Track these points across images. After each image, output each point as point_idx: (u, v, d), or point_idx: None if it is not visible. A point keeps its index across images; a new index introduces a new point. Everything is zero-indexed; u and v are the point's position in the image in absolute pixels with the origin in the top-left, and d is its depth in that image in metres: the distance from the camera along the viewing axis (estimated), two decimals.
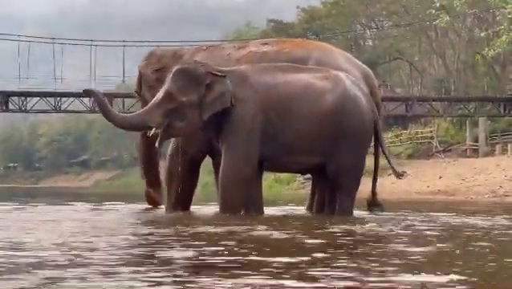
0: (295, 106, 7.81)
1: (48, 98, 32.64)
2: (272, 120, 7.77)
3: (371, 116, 8.00)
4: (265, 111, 7.76)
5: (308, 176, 10.89)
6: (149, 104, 7.88)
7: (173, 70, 7.88)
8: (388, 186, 23.34)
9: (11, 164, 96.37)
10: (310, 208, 8.98)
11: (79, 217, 7.61)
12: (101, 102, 8.06)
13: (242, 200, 7.92)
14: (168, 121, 7.71)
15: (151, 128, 7.77)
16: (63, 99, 32.60)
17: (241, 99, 7.78)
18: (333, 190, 8.07)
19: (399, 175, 8.57)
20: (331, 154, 7.84)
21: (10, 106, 32.52)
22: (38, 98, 32.79)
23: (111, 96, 28.24)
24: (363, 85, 8.60)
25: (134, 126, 8.12)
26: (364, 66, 9.39)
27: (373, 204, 8.63)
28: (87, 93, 8.55)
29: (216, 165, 9.11)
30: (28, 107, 32.86)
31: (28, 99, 32.62)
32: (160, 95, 7.80)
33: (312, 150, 7.85)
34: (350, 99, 7.88)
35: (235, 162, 7.75)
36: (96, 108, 32.16)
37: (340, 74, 8.11)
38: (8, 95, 32.25)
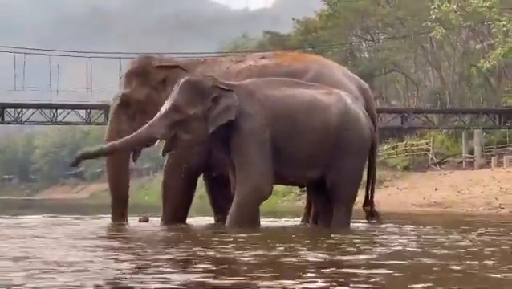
0: (301, 120, 7.87)
1: (44, 109, 32.62)
2: (279, 133, 7.79)
3: (369, 132, 8.14)
4: (272, 125, 7.79)
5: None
6: (155, 117, 7.83)
7: (180, 82, 7.89)
8: (384, 198, 23.34)
9: (6, 176, 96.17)
10: (305, 220, 9.01)
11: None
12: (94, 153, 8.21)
13: (256, 218, 7.93)
14: (173, 133, 7.73)
15: (155, 140, 7.78)
16: (59, 110, 32.59)
17: (248, 113, 7.81)
18: (329, 202, 8.10)
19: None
20: (331, 167, 7.91)
21: (6, 118, 32.47)
22: (34, 109, 32.76)
23: (108, 108, 28.17)
24: (360, 99, 8.75)
25: (141, 142, 7.96)
26: (360, 80, 9.48)
27: (371, 214, 8.75)
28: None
29: (211, 179, 9.09)
30: (24, 119, 32.82)
31: (24, 110, 32.60)
32: (166, 106, 7.81)
33: (315, 164, 7.91)
34: (352, 116, 8.00)
35: (253, 180, 7.71)
36: (92, 120, 32.59)
37: (341, 91, 8.24)
38: (3, 106, 32.21)
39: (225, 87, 7.83)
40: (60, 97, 35.87)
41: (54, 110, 32.57)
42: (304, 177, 8.10)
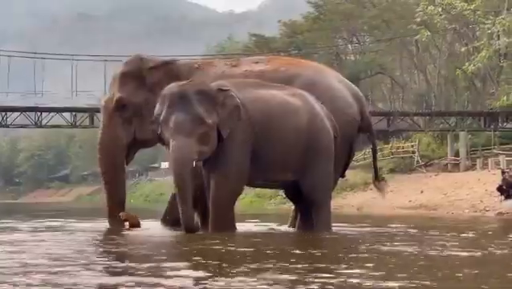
0: (277, 122, 7.81)
1: (29, 113, 32.37)
2: (258, 135, 7.73)
3: (332, 133, 8.11)
4: (252, 125, 7.74)
5: None
6: (177, 136, 7.47)
7: (191, 91, 7.62)
8: (370, 201, 23.35)
9: None
10: (293, 224, 8.93)
11: None
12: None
13: (233, 218, 7.87)
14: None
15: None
16: (44, 113, 32.36)
17: None
18: (308, 206, 8.07)
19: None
20: (304, 171, 7.86)
21: None
22: (19, 113, 32.52)
23: (93, 111, 28.08)
24: (355, 104, 8.81)
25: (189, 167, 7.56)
26: (354, 86, 9.51)
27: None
28: None
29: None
30: (8, 122, 32.56)
31: (8, 114, 32.35)
32: (186, 120, 7.47)
33: (286, 167, 7.86)
34: (319, 118, 7.98)
35: (229, 180, 7.65)
36: (77, 123, 32.34)
37: (303, 92, 8.19)
38: None
39: (224, 88, 7.77)
40: (45, 100, 35.63)
41: (39, 113, 32.34)
42: (274, 180, 8.06)
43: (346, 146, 8.70)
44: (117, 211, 9.04)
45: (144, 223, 9.34)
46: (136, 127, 8.92)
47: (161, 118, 7.63)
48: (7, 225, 9.87)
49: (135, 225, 9.12)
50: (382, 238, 7.15)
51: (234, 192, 7.83)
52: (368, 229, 8.88)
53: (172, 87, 7.77)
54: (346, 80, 9.54)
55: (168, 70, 8.99)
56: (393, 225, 9.82)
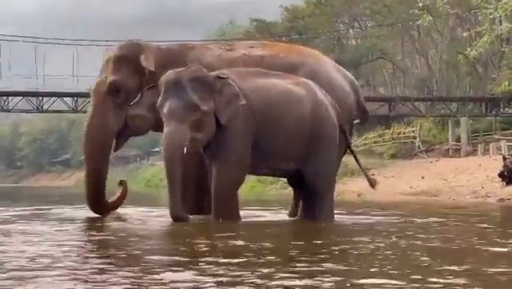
0: (279, 111, 7.80)
1: (30, 97, 32.40)
2: (259, 124, 7.73)
3: (337, 121, 8.12)
4: (254, 114, 7.73)
5: None
6: (170, 122, 7.46)
7: (186, 78, 7.59)
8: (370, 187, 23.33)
9: None
10: (293, 214, 8.86)
11: None
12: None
13: (237, 207, 7.88)
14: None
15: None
16: (45, 98, 32.38)
17: None
18: (311, 195, 8.07)
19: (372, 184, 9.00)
20: (308, 160, 7.87)
21: None
22: (21, 97, 32.55)
23: None
24: (352, 94, 8.85)
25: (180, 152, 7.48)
26: (351, 76, 9.52)
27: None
28: None
29: None
30: (10, 107, 32.61)
31: (10, 98, 32.38)
32: (179, 106, 7.46)
33: (289, 156, 7.87)
34: (323, 106, 7.98)
35: (232, 173, 7.65)
36: (78, 108, 32.35)
37: (307, 80, 8.19)
38: None
39: (223, 76, 7.77)
40: (47, 85, 35.62)
41: (40, 98, 32.37)
42: (276, 168, 8.08)
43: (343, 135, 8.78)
44: (97, 198, 8.75)
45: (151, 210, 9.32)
46: (128, 113, 8.70)
47: (157, 104, 7.65)
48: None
49: (117, 204, 9.02)
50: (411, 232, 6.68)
51: (236, 180, 7.84)
52: (386, 218, 8.77)
53: (169, 74, 7.75)
54: (342, 69, 9.52)
55: (165, 55, 8.86)
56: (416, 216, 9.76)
